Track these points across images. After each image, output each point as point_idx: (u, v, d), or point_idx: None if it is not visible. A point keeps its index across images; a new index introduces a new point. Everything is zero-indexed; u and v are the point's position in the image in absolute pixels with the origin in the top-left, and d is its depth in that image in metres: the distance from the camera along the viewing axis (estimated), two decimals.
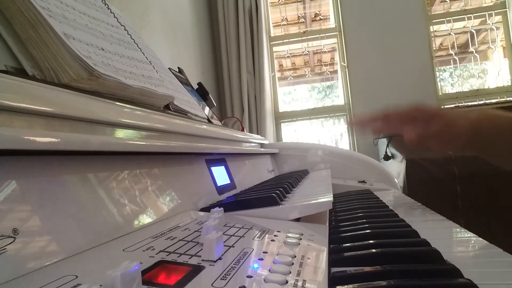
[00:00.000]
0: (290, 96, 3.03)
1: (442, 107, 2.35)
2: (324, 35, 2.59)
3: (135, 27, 0.79)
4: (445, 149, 0.57)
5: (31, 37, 0.41)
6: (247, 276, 0.26)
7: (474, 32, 2.53)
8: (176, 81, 0.93)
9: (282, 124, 2.64)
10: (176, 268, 0.26)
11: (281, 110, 2.63)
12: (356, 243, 0.39)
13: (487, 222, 1.49)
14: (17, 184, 0.25)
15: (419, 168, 1.61)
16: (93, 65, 0.43)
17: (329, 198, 0.52)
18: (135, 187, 0.39)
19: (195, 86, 1.25)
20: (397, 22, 2.42)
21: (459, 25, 2.56)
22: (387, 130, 0.60)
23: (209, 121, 1.02)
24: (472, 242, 0.45)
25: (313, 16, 2.99)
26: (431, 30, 2.46)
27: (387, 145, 1.91)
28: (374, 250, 0.36)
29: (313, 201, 0.50)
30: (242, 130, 1.71)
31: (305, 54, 2.83)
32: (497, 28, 2.49)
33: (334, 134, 2.68)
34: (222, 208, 0.39)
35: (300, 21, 2.98)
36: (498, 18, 2.47)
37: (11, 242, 0.23)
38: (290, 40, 2.66)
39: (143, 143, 0.41)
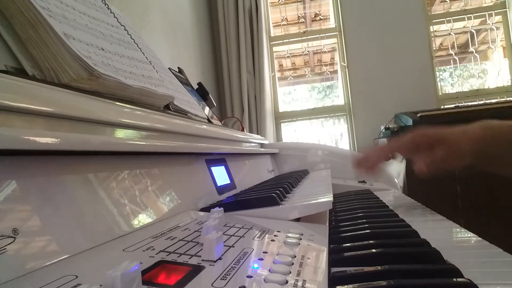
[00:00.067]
0: (290, 96, 3.03)
1: (442, 106, 2.35)
2: (324, 35, 2.59)
3: (135, 27, 0.79)
4: (453, 169, 0.56)
5: (31, 37, 0.41)
6: (247, 276, 0.26)
7: (474, 32, 2.53)
8: (176, 81, 0.93)
9: (282, 124, 2.65)
10: (176, 268, 0.26)
11: (281, 110, 2.63)
12: (356, 243, 0.39)
13: (487, 222, 1.49)
14: (17, 184, 0.25)
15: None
16: (93, 65, 0.43)
17: (329, 198, 0.52)
18: (135, 187, 0.39)
19: (195, 86, 1.25)
20: (397, 22, 2.42)
21: (459, 25, 2.56)
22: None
23: (209, 121, 1.02)
24: (472, 242, 0.45)
25: (313, 16, 2.98)
26: (431, 30, 2.46)
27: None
28: (374, 250, 0.36)
29: (313, 201, 0.50)
30: (242, 130, 1.71)
31: (305, 54, 2.83)
32: (497, 28, 2.49)
33: (334, 134, 2.68)
34: (222, 208, 0.39)
35: (300, 21, 2.98)
36: (498, 18, 2.47)
37: (11, 242, 0.23)
38: (290, 40, 2.66)
39: (143, 143, 0.41)
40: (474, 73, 2.65)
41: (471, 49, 2.55)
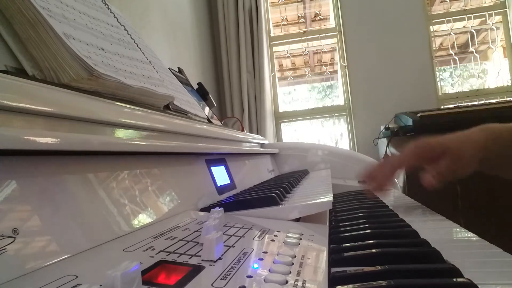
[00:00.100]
0: (290, 96, 3.03)
1: (442, 106, 2.35)
2: (324, 35, 2.59)
3: (135, 27, 0.79)
4: (460, 177, 0.56)
5: (31, 37, 0.41)
6: (247, 276, 0.26)
7: (474, 32, 2.53)
8: (176, 81, 0.93)
9: (282, 124, 2.65)
10: (176, 268, 0.26)
11: (281, 110, 2.63)
12: (356, 243, 0.39)
13: (487, 222, 1.49)
14: (17, 184, 0.25)
15: (419, 168, 1.60)
16: (93, 65, 0.43)
17: (329, 198, 0.52)
18: (135, 187, 0.39)
19: (195, 86, 1.25)
20: (397, 22, 2.42)
21: (459, 25, 2.56)
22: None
23: (209, 121, 1.02)
24: (472, 242, 0.45)
25: (313, 16, 2.99)
26: (431, 30, 2.46)
27: (387, 145, 1.91)
28: (374, 250, 0.36)
29: (313, 201, 0.50)
30: (242, 130, 1.71)
31: (305, 54, 2.83)
32: (497, 28, 2.49)
33: (334, 134, 2.69)
34: (222, 208, 0.39)
35: (300, 21, 2.98)
36: (498, 18, 2.47)
37: (11, 242, 0.23)
38: (290, 40, 2.66)
39: (143, 143, 0.41)
40: (474, 73, 2.65)
41: (471, 49, 2.55)
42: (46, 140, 0.26)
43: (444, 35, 2.69)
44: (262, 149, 1.19)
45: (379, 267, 0.31)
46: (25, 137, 0.24)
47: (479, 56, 2.62)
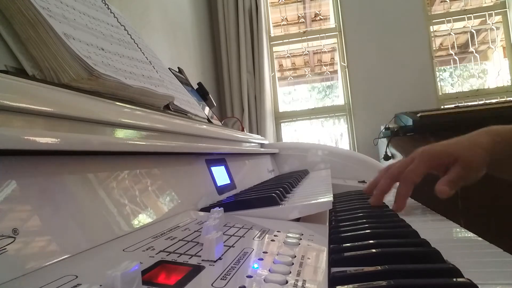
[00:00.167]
0: (290, 96, 3.03)
1: (443, 106, 2.35)
2: (324, 35, 2.59)
3: (135, 27, 0.79)
4: (470, 183, 0.55)
5: (31, 37, 0.41)
6: (247, 276, 0.26)
7: (474, 32, 2.53)
8: (176, 81, 0.93)
9: (282, 124, 2.65)
10: (176, 268, 0.26)
11: (281, 110, 2.63)
12: (356, 243, 0.39)
13: (487, 222, 1.49)
14: (17, 184, 0.25)
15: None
16: (93, 65, 0.43)
17: (329, 198, 0.52)
18: (135, 187, 0.39)
19: (195, 86, 1.25)
20: (397, 22, 2.42)
21: (459, 25, 2.56)
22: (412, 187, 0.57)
23: (209, 121, 1.02)
24: (472, 242, 0.45)
25: (313, 16, 2.99)
26: (431, 30, 2.46)
27: (387, 145, 1.91)
28: (374, 250, 0.36)
29: (313, 201, 0.50)
30: (242, 130, 1.71)
31: (305, 54, 2.83)
32: (497, 28, 2.49)
33: (334, 134, 2.69)
34: (222, 208, 0.39)
35: (300, 21, 2.98)
36: (498, 18, 2.47)
37: (11, 242, 0.23)
38: (290, 40, 2.66)
39: (143, 143, 0.41)
40: (474, 73, 2.65)
41: (471, 49, 2.55)
42: (46, 140, 0.26)
43: (444, 35, 2.69)
44: (262, 149, 1.19)
45: (379, 267, 0.31)
46: (25, 137, 0.24)
47: (479, 56, 2.62)
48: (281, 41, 2.67)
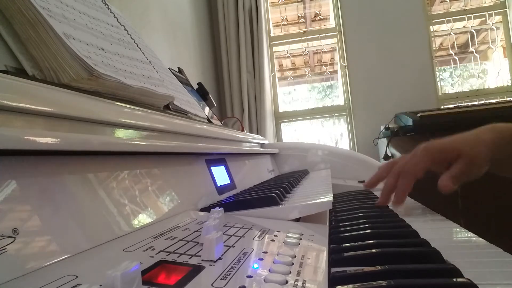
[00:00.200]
0: (290, 96, 3.03)
1: (442, 106, 2.35)
2: (324, 35, 2.59)
3: (135, 27, 0.79)
4: (472, 179, 0.55)
5: (31, 37, 0.41)
6: (247, 276, 0.26)
7: (474, 32, 2.53)
8: (176, 81, 0.93)
9: (282, 124, 2.65)
10: (176, 268, 0.26)
11: (281, 110, 2.63)
12: (356, 243, 0.39)
13: (487, 222, 1.49)
14: (17, 184, 0.25)
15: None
16: (93, 65, 0.43)
17: (329, 198, 0.52)
18: (135, 187, 0.39)
19: (195, 86, 1.25)
20: (397, 22, 2.42)
21: (459, 25, 2.56)
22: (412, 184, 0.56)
23: (209, 121, 1.02)
24: (472, 242, 0.45)
25: (313, 16, 2.99)
26: (431, 30, 2.46)
27: (387, 145, 1.91)
28: (374, 250, 0.36)
29: (313, 201, 0.50)
30: (242, 130, 1.71)
31: (305, 54, 2.83)
32: (497, 28, 2.49)
33: (334, 134, 2.69)
34: (222, 208, 0.39)
35: (300, 21, 2.98)
36: (498, 18, 2.47)
37: (11, 242, 0.23)
38: (290, 40, 2.66)
39: (143, 143, 0.41)
40: (474, 73, 2.65)
41: (471, 49, 2.55)
42: (46, 140, 0.26)
43: (444, 35, 2.69)
44: (262, 149, 1.19)
45: (379, 267, 0.31)
46: (25, 137, 0.24)
47: (479, 56, 2.62)
48: (281, 41, 2.67)
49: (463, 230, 0.51)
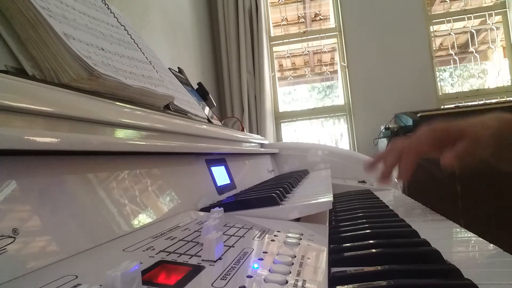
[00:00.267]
0: (290, 96, 3.03)
1: (443, 107, 2.35)
2: (324, 35, 2.59)
3: (135, 27, 0.79)
4: (473, 163, 0.54)
5: (31, 37, 0.41)
6: (247, 276, 0.26)
7: (474, 32, 2.53)
8: (176, 81, 0.93)
9: (282, 124, 2.65)
10: (176, 268, 0.26)
11: (281, 110, 2.63)
12: (356, 243, 0.39)
13: (487, 222, 1.49)
14: (17, 184, 0.25)
15: (419, 168, 1.61)
16: (93, 65, 0.43)
17: (329, 198, 0.52)
18: (135, 187, 0.39)
19: (195, 86, 1.25)
20: (397, 22, 2.42)
21: (459, 25, 2.56)
22: (416, 162, 0.55)
23: (209, 121, 1.02)
24: (472, 242, 0.45)
25: (313, 16, 2.99)
26: (431, 30, 2.46)
27: (387, 145, 1.91)
28: (374, 250, 0.36)
29: (313, 201, 0.50)
30: (242, 130, 1.71)
31: (305, 54, 2.83)
32: (497, 28, 2.49)
33: (334, 134, 2.69)
34: (222, 208, 0.39)
35: (300, 21, 2.98)
36: (498, 18, 2.47)
37: (11, 242, 0.23)
38: (290, 40, 2.66)
39: (143, 143, 0.41)
40: (474, 73, 2.65)
41: (471, 49, 2.55)
42: (46, 140, 0.26)
43: (444, 35, 2.69)
44: (262, 149, 1.19)
45: (379, 267, 0.31)
46: (25, 137, 0.24)
47: (479, 56, 2.62)
48: (281, 41, 2.67)
49: (463, 230, 0.51)
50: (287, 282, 0.25)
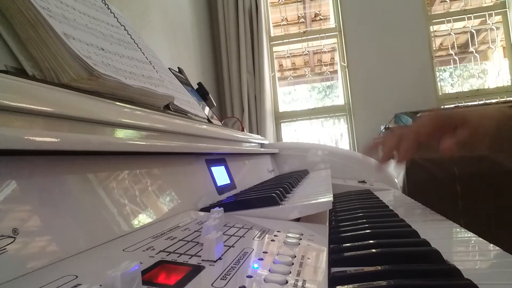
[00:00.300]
0: (290, 96, 3.03)
1: (443, 107, 2.35)
2: (324, 35, 2.59)
3: (135, 27, 0.79)
4: (472, 151, 0.54)
5: (31, 37, 0.41)
6: (247, 276, 0.26)
7: (474, 32, 2.53)
8: (176, 81, 0.93)
9: (282, 124, 2.65)
10: (176, 268, 0.26)
11: (281, 110, 2.63)
12: (356, 243, 0.39)
13: (487, 222, 1.49)
14: (17, 184, 0.25)
15: (419, 168, 1.61)
16: (93, 65, 0.43)
17: (329, 198, 0.52)
18: (135, 187, 0.39)
19: (195, 86, 1.25)
20: (397, 22, 2.42)
21: (459, 25, 2.56)
22: (416, 147, 0.55)
23: (209, 121, 1.02)
24: (472, 242, 0.45)
25: (313, 16, 2.99)
26: (431, 30, 2.46)
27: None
28: (374, 250, 0.36)
29: (313, 201, 0.50)
30: (242, 130, 1.71)
31: (305, 54, 2.83)
32: (497, 28, 2.49)
33: (334, 134, 2.69)
34: (222, 208, 0.39)
35: (300, 21, 2.98)
36: (498, 18, 2.47)
37: (11, 242, 0.23)
38: (290, 40, 2.66)
39: (143, 143, 0.41)
40: (474, 73, 2.65)
41: (471, 49, 2.55)
42: (46, 140, 0.26)
43: (444, 35, 2.69)
44: (262, 149, 1.19)
45: (379, 267, 0.31)
46: (25, 137, 0.24)
47: (479, 56, 2.62)
48: (281, 41, 2.67)
49: (463, 230, 0.51)
50: (287, 282, 0.25)
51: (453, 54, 2.52)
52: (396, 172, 1.72)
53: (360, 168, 1.22)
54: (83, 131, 0.34)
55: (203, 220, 0.40)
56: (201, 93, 1.24)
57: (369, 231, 0.44)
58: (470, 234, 0.48)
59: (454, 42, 2.53)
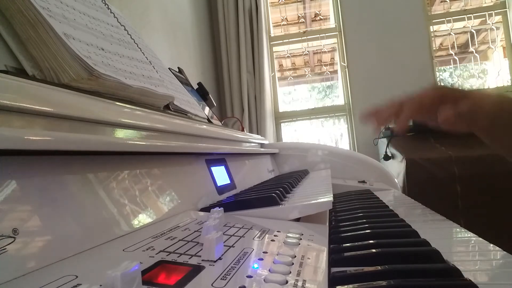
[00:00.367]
0: (290, 96, 3.03)
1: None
2: (324, 35, 2.59)
3: (135, 27, 0.79)
4: (470, 130, 0.53)
5: (31, 37, 0.41)
6: (247, 276, 0.26)
7: (474, 32, 2.53)
8: (176, 81, 0.93)
9: (282, 124, 2.65)
10: (176, 268, 0.26)
11: (281, 110, 2.63)
12: (356, 243, 0.39)
13: (487, 222, 1.49)
14: (17, 184, 0.25)
15: (419, 168, 1.61)
16: (93, 65, 0.43)
17: (329, 198, 0.52)
18: (135, 187, 0.39)
19: (195, 86, 1.25)
20: (397, 22, 2.42)
21: (459, 25, 2.56)
22: (417, 116, 0.54)
23: (209, 121, 1.02)
24: (472, 242, 0.45)
25: (313, 16, 2.98)
26: (431, 30, 2.46)
27: (387, 145, 1.91)
28: (374, 250, 0.36)
29: (313, 201, 0.50)
30: (242, 130, 1.71)
31: (305, 54, 2.83)
32: (497, 28, 2.49)
33: (334, 134, 2.68)
34: (222, 208, 0.39)
35: (300, 21, 2.98)
36: (498, 18, 2.47)
37: (11, 242, 0.23)
38: (290, 40, 2.66)
39: (143, 143, 0.41)
40: (474, 73, 2.65)
41: (471, 49, 2.55)
42: (46, 140, 0.26)
43: (444, 35, 2.69)
44: (262, 149, 1.19)
45: (379, 267, 0.31)
46: (25, 137, 0.24)
47: (479, 56, 2.62)
48: (281, 41, 2.66)
49: (463, 230, 0.51)
50: (287, 282, 0.25)
51: (453, 54, 2.52)
52: (396, 172, 1.72)
53: (360, 168, 1.22)
54: (83, 131, 0.34)
55: (203, 220, 0.40)
56: (201, 93, 1.24)
57: (369, 231, 0.44)
58: (470, 234, 0.48)
59: (454, 42, 2.53)
